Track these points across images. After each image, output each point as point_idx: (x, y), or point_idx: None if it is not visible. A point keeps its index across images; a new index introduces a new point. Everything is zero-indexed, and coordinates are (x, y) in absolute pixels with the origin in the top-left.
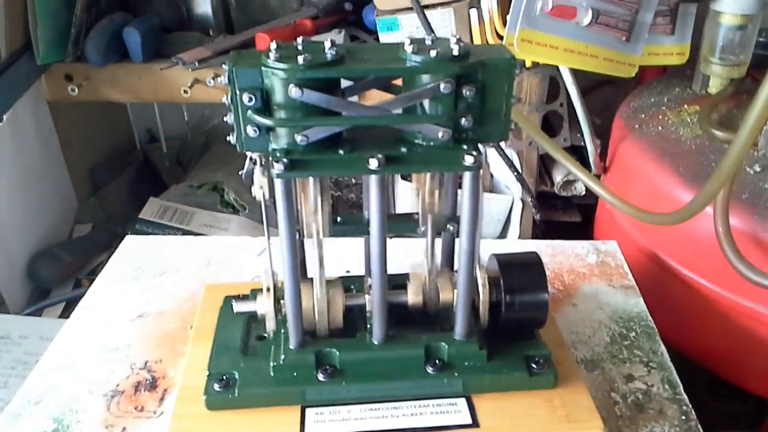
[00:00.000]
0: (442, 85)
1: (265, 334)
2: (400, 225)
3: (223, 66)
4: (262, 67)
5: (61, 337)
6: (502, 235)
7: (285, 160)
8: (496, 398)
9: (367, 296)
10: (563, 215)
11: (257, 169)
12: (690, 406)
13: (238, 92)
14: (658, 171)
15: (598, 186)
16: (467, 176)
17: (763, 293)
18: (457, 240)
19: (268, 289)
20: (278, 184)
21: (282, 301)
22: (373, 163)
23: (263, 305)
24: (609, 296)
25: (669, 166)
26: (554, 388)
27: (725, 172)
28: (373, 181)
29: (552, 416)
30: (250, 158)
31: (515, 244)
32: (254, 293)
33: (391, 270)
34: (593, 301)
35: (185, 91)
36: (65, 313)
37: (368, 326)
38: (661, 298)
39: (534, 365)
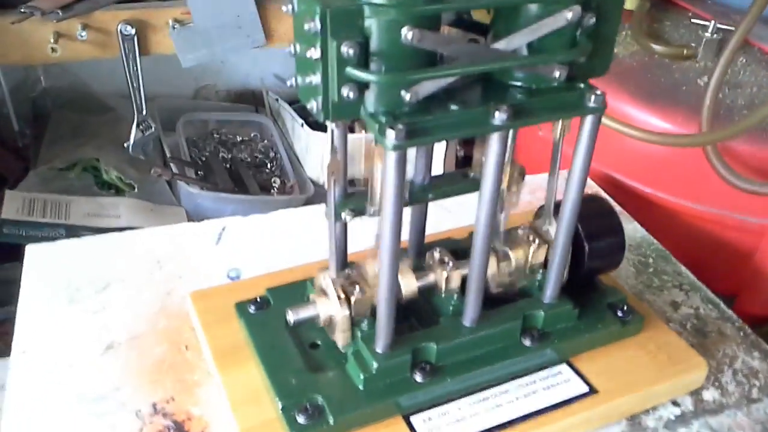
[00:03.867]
0: (568, 14)
1: (318, 342)
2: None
3: (285, 8)
4: (366, 6)
5: (11, 400)
6: None
7: (401, 126)
8: (593, 357)
9: (452, 272)
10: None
11: (328, 149)
12: (740, 319)
13: (333, 43)
14: (609, 93)
15: None
16: (589, 120)
17: (726, 200)
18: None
19: (345, 291)
20: (391, 157)
21: (353, 299)
22: (500, 118)
23: (335, 308)
24: None
25: (618, 86)
26: (639, 334)
27: None
28: (494, 138)
29: (655, 362)
30: (139, 125)
31: None
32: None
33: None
34: None
35: (53, 50)
36: None
37: (449, 307)
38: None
39: (620, 313)
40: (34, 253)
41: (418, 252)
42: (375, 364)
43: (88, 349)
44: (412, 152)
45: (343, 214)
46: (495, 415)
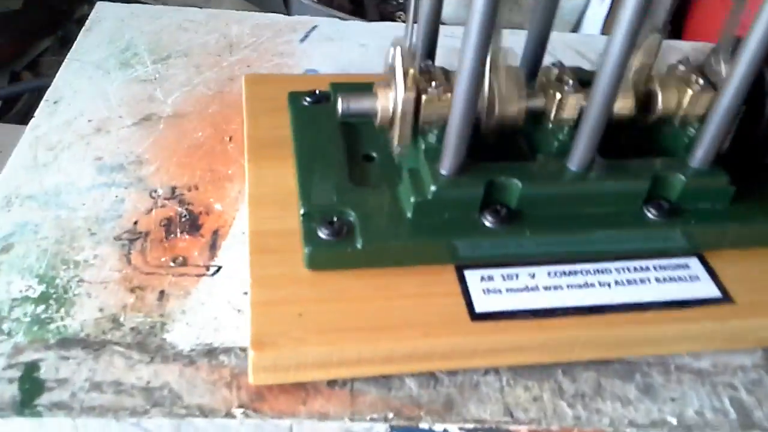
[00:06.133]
0: None
1: (374, 154)
2: None
3: None
4: None
5: (24, 149)
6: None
7: None
8: (738, 259)
9: (569, 97)
10: None
11: None
12: None
13: None
14: None
15: None
16: None
17: None
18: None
19: (416, 81)
20: None
21: (425, 97)
22: None
23: (398, 91)
24: None
25: None
26: None
27: None
28: None
29: None
30: None
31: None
32: (346, 87)
33: None
34: None
35: None
36: (1, 118)
37: (554, 143)
38: None
39: None
40: (103, 9)
41: (532, 72)
42: (433, 188)
43: (123, 116)
44: None
45: None
46: (581, 295)
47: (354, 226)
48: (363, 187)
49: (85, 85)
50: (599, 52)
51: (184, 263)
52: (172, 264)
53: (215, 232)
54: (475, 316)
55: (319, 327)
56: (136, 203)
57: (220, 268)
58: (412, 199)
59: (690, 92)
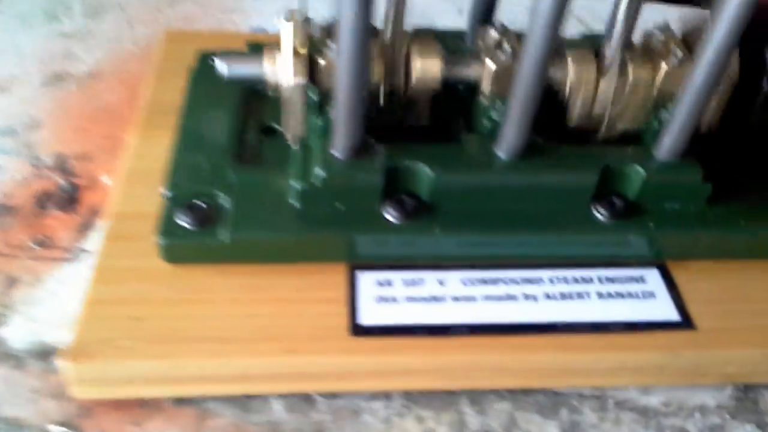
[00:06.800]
0: None
1: (278, 126)
2: None
3: None
4: None
5: None
6: None
7: None
8: (708, 272)
9: (506, 63)
10: None
11: None
12: None
13: None
14: None
15: None
16: None
17: None
18: None
19: (313, 47)
20: None
21: (322, 62)
22: None
23: (284, 65)
24: None
25: None
26: None
27: None
28: None
29: None
30: None
31: None
32: (258, 48)
33: None
34: None
35: None
36: None
37: (486, 122)
38: None
39: None
40: None
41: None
42: (320, 173)
43: (32, 75)
44: None
45: None
46: (499, 309)
47: (224, 214)
48: (251, 167)
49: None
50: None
51: (47, 245)
52: (32, 245)
53: (94, 211)
54: (358, 330)
55: (160, 335)
56: (14, 173)
57: (84, 253)
58: (299, 186)
59: (665, 67)
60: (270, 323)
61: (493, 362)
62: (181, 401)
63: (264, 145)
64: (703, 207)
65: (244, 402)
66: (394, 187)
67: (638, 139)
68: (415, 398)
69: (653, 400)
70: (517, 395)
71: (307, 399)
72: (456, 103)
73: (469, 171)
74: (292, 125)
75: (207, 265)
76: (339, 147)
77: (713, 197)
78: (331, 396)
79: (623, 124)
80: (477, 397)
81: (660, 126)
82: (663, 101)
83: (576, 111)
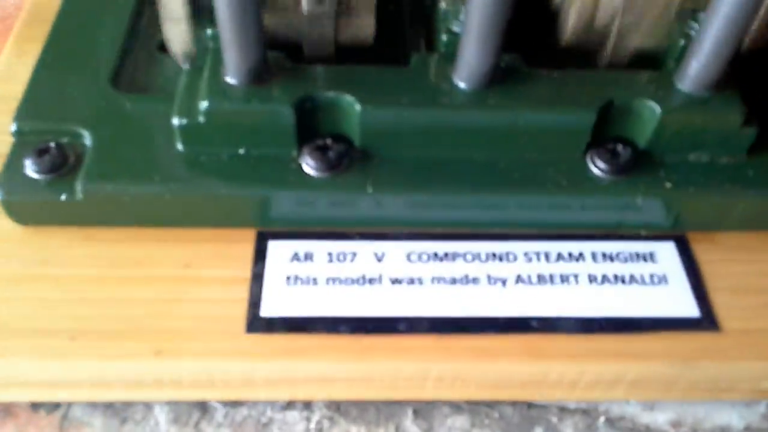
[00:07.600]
0: None
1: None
2: None
3: None
4: None
5: None
6: None
7: None
8: (744, 247)
9: None
10: None
11: None
12: None
13: None
14: None
15: None
16: None
17: None
18: None
19: None
20: None
21: None
22: None
23: None
24: None
25: None
26: None
27: None
28: None
29: None
30: None
31: None
32: None
33: None
34: None
35: None
36: None
37: (445, 39)
38: None
39: None
40: None
41: None
42: (205, 103)
43: None
44: None
45: None
46: (453, 295)
47: (86, 157)
48: (132, 96)
49: None
50: None
51: None
52: None
53: None
54: (256, 324)
55: None
56: None
57: None
58: (184, 122)
59: None
60: (140, 312)
61: (444, 371)
62: (40, 405)
63: (155, 68)
64: (742, 159)
65: (120, 409)
66: (314, 128)
67: (655, 62)
68: (344, 408)
69: (659, 418)
70: (479, 408)
71: (201, 407)
72: (415, 13)
73: (413, 104)
74: (176, 37)
75: (69, 229)
76: (232, 69)
77: (756, 146)
78: (233, 404)
79: (635, 40)
80: (425, 409)
81: (686, 43)
82: (691, 8)
83: (570, 22)
